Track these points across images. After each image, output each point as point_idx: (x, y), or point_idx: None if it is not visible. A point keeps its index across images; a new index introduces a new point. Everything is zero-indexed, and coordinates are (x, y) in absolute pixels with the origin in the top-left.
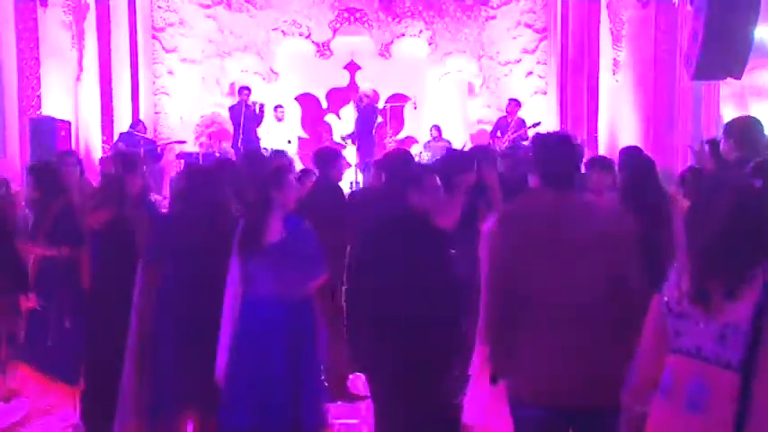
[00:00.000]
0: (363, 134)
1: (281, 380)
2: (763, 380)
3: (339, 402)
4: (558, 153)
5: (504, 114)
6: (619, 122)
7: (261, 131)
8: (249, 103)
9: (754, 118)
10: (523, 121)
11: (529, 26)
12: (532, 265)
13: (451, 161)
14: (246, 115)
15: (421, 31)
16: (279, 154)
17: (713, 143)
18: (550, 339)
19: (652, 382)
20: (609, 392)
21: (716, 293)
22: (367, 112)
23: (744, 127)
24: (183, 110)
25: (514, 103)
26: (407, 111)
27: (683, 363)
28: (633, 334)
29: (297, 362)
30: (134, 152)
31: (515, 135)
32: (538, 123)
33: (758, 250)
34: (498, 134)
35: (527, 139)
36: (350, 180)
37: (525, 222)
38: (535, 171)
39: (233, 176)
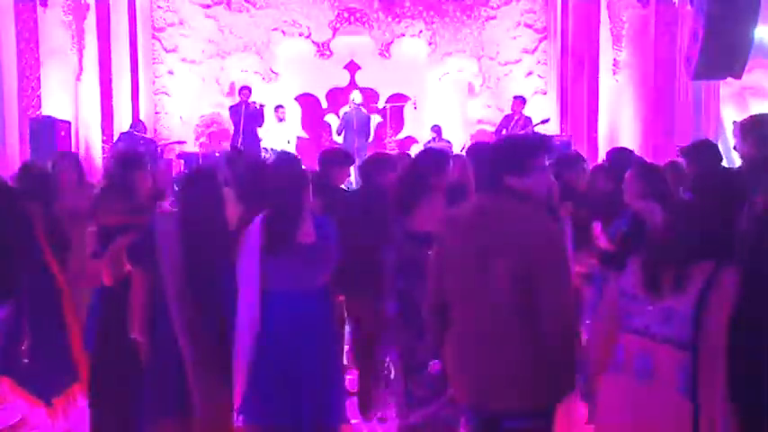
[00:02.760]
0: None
1: (307, 377)
2: (706, 355)
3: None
4: (486, 157)
5: (510, 112)
6: (619, 122)
7: (261, 132)
8: (249, 101)
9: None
10: (530, 119)
11: (529, 26)
12: (452, 270)
13: (427, 162)
14: (246, 115)
15: (421, 31)
16: (286, 155)
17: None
18: (463, 343)
19: (604, 361)
20: (511, 399)
21: (665, 282)
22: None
23: (761, 125)
24: (183, 110)
25: (519, 101)
26: (407, 111)
27: (633, 341)
28: (543, 341)
29: (322, 358)
30: (137, 151)
31: (522, 133)
32: (546, 120)
33: (701, 250)
34: (504, 132)
35: None
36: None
37: (451, 227)
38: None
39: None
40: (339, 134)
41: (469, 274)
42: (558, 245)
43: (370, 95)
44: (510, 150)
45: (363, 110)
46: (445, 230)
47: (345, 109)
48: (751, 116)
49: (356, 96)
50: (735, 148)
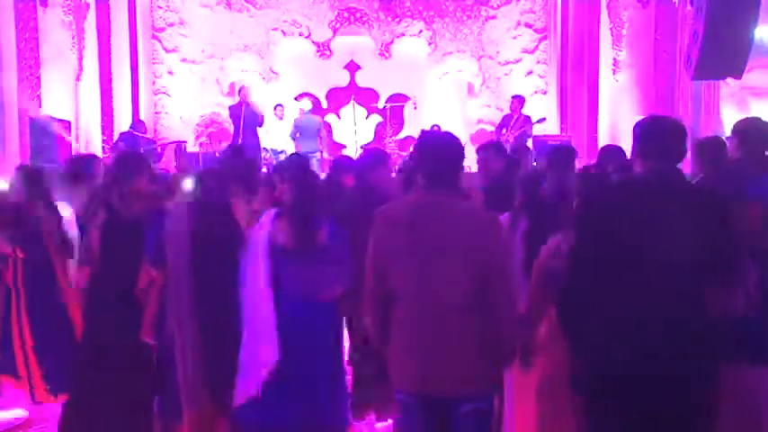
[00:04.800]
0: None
1: (313, 379)
2: None
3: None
4: (434, 153)
5: (509, 112)
6: (619, 122)
7: (260, 131)
8: (249, 101)
9: (759, 119)
10: (529, 118)
11: (529, 26)
12: (395, 262)
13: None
14: (246, 115)
15: (421, 31)
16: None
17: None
18: (410, 331)
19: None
20: (459, 384)
21: None
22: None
23: (747, 127)
24: (183, 110)
25: (518, 100)
26: (407, 111)
27: None
28: (495, 332)
29: (327, 362)
30: (135, 152)
31: (520, 131)
32: (543, 119)
33: None
34: (504, 131)
35: (531, 135)
36: None
37: (391, 221)
38: (417, 170)
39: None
40: (294, 139)
41: (416, 269)
42: (503, 239)
43: (370, 95)
44: (460, 150)
45: (313, 117)
46: (382, 228)
47: (297, 115)
48: (743, 120)
49: (305, 105)
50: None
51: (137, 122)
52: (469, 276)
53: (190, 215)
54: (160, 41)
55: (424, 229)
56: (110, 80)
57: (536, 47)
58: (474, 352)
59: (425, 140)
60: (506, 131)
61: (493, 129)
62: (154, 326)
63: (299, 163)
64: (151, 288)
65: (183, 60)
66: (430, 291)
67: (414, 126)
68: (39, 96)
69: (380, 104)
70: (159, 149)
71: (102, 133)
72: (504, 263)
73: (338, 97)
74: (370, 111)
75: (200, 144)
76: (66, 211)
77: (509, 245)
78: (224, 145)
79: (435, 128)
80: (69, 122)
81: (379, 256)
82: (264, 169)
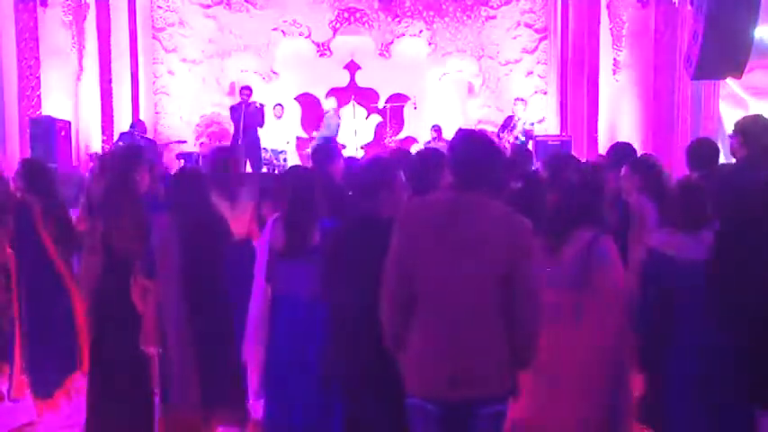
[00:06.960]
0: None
1: (313, 379)
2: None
3: None
4: (469, 153)
5: (511, 114)
6: (619, 122)
7: (261, 131)
8: (249, 101)
9: (760, 115)
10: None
11: (529, 26)
12: (423, 261)
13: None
14: (247, 115)
15: (421, 31)
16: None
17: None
18: (435, 333)
19: None
20: (485, 386)
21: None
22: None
23: (749, 125)
24: (183, 110)
25: (520, 103)
26: (407, 111)
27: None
28: (518, 334)
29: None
30: (137, 146)
31: (519, 132)
32: (541, 120)
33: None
34: (504, 133)
35: (532, 136)
36: None
37: (420, 219)
38: (449, 168)
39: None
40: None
41: (445, 267)
42: (532, 241)
43: (370, 95)
44: (494, 151)
45: (336, 117)
46: (411, 226)
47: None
48: (744, 118)
49: (330, 103)
50: (732, 151)
51: (137, 122)
52: (498, 277)
53: (176, 220)
54: (160, 41)
55: (459, 228)
56: (110, 80)
57: (536, 47)
58: (503, 353)
59: (460, 140)
60: (506, 133)
61: (494, 129)
62: (155, 334)
63: (300, 172)
64: (147, 298)
65: (183, 60)
66: (460, 291)
67: (414, 126)
68: (39, 96)
69: (380, 104)
70: (159, 150)
71: (103, 133)
72: (530, 266)
73: (338, 97)
74: (370, 111)
75: (201, 144)
76: None
77: (533, 249)
78: (225, 145)
79: (436, 128)
80: (69, 122)
81: (406, 255)
82: (264, 169)
